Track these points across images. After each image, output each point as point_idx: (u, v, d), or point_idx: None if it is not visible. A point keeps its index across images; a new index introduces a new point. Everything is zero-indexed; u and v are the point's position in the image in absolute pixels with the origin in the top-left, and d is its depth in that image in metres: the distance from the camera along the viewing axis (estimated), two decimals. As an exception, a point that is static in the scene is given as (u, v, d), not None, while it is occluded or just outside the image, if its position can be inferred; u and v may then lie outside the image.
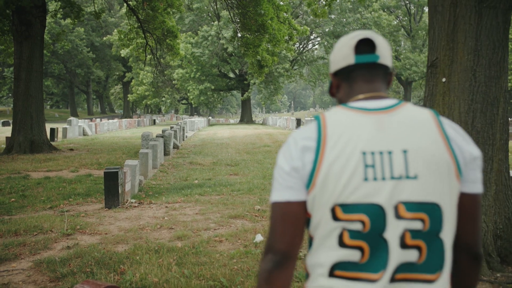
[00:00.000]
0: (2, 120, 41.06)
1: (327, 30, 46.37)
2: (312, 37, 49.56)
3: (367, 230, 1.19)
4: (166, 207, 7.25)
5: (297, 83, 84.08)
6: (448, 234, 1.23)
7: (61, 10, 18.17)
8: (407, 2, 50.47)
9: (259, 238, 5.34)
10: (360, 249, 1.20)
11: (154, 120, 49.63)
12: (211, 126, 41.39)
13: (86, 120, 36.79)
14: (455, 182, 1.23)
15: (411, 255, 1.20)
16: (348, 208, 1.19)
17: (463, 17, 4.34)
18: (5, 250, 5.03)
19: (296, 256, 1.27)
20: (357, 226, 1.19)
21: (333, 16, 45.35)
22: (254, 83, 42.18)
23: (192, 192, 8.51)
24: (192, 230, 5.80)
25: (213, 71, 43.35)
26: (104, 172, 7.21)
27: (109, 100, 75.54)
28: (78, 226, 5.96)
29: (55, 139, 21.53)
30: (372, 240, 1.19)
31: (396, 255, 1.19)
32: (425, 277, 1.21)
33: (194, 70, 41.65)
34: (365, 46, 1.32)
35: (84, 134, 27.35)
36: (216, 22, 39.55)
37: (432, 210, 1.20)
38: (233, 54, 40.75)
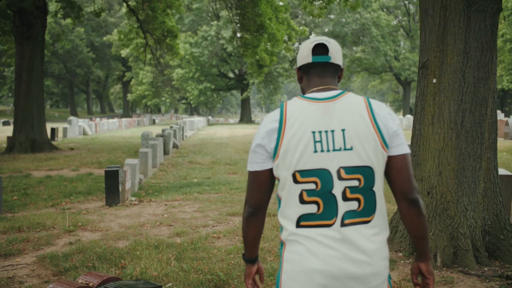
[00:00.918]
0: (3, 120, 41.14)
1: (326, 30, 46.54)
2: (311, 37, 49.70)
3: (319, 188, 1.64)
4: (166, 204, 7.41)
5: (296, 83, 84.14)
6: (378, 187, 1.68)
7: (61, 10, 18.31)
8: (406, 2, 50.63)
9: (256, 234, 5.48)
10: (316, 203, 1.64)
11: (154, 119, 49.78)
12: (210, 126, 41.54)
13: (86, 119, 36.94)
14: (381, 150, 1.67)
15: (353, 205, 1.65)
16: (304, 173, 1.64)
17: (453, 20, 4.49)
18: (9, 245, 5.18)
19: (265, 208, 1.80)
20: (312, 186, 1.64)
21: (332, 16, 45.53)
22: (254, 83, 42.33)
23: (191, 190, 8.66)
24: (191, 227, 5.95)
25: (213, 71, 43.50)
26: (105, 171, 7.36)
27: (109, 99, 75.72)
28: (80, 223, 6.10)
29: (56, 138, 21.68)
30: (324, 196, 1.64)
31: (342, 206, 1.64)
32: (364, 219, 1.66)
33: (194, 70, 41.79)
34: (321, 49, 1.74)
35: (84, 133, 27.49)
36: (215, 22, 39.69)
37: (366, 172, 1.65)
38: (233, 54, 40.89)
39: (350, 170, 1.64)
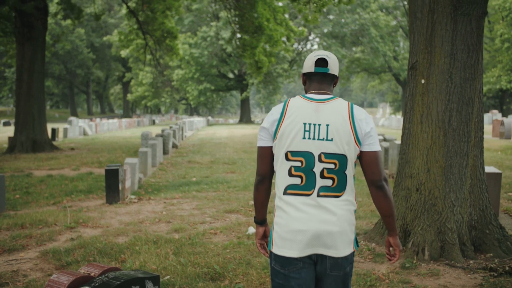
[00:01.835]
0: (3, 120, 41.30)
1: (325, 30, 46.68)
2: (310, 37, 49.86)
3: (304, 166, 2.14)
4: (165, 202, 7.58)
5: (296, 83, 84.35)
6: (349, 171, 2.17)
7: (62, 12, 18.49)
8: (405, 2, 50.76)
9: (251, 230, 5.66)
10: (300, 177, 2.15)
11: (154, 120, 49.92)
12: (210, 126, 41.69)
13: (86, 120, 37.10)
14: (354, 145, 2.15)
15: (328, 182, 2.14)
16: (294, 153, 2.15)
17: (440, 23, 4.67)
18: (13, 241, 5.35)
19: (271, 178, 2.30)
20: (298, 164, 2.15)
21: (331, 17, 45.68)
22: (253, 83, 42.50)
23: (190, 188, 8.84)
24: (189, 224, 6.12)
25: (212, 72, 43.66)
26: (105, 170, 7.53)
27: (109, 100, 75.87)
28: (81, 220, 6.28)
29: (56, 138, 21.85)
30: (307, 172, 2.14)
31: (319, 181, 2.13)
32: (336, 194, 2.15)
33: (194, 70, 41.95)
34: (322, 62, 2.24)
35: (85, 134, 27.66)
36: (215, 23, 39.86)
37: (341, 158, 2.13)
38: (232, 54, 41.06)
39: (328, 155, 2.13)
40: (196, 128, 35.13)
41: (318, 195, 2.12)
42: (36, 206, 7.59)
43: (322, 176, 2.12)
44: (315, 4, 7.63)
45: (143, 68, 42.90)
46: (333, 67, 2.25)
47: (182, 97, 58.06)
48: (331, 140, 2.13)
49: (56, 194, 8.51)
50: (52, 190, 8.84)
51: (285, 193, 2.17)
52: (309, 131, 2.14)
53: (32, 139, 15.46)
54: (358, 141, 2.14)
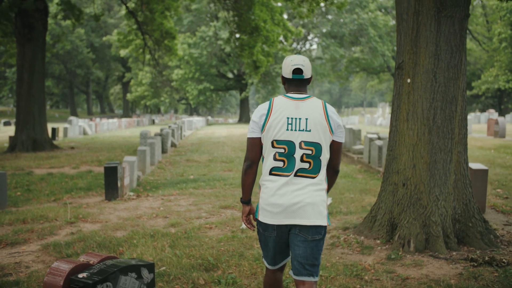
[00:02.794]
0: (4, 120, 41.49)
1: (324, 30, 46.86)
2: (309, 37, 50.04)
3: (286, 152, 2.64)
4: (162, 199, 7.78)
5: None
6: (324, 157, 2.68)
7: (62, 12, 18.69)
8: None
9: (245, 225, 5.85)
10: (283, 161, 2.65)
11: (154, 120, 50.09)
12: (209, 126, 41.89)
13: (86, 120, 37.29)
14: (328, 135, 2.67)
15: (305, 165, 2.64)
16: (278, 142, 2.65)
17: (425, 24, 4.87)
18: (15, 235, 5.55)
19: (257, 163, 2.77)
20: (282, 150, 2.65)
21: (330, 17, 45.85)
22: (252, 83, 42.69)
23: (187, 186, 9.04)
24: (185, 219, 6.32)
25: (212, 71, 43.85)
26: (105, 167, 7.73)
27: (109, 100, 76.05)
28: (81, 215, 6.48)
29: (56, 138, 22.05)
30: (288, 157, 2.64)
31: (298, 165, 2.63)
32: (311, 175, 2.66)
33: (193, 70, 42.14)
34: (298, 70, 2.71)
35: (84, 133, 27.86)
36: (214, 23, 40.04)
37: (317, 146, 2.64)
38: (231, 54, 41.25)
39: (307, 143, 2.64)
40: (195, 127, 35.33)
41: (295, 175, 2.63)
42: (37, 203, 7.79)
43: (301, 160, 2.63)
44: (308, 4, 7.84)
45: (142, 68, 43.08)
46: (307, 73, 2.73)
47: (182, 97, 58.26)
48: (310, 130, 2.64)
49: (56, 191, 8.71)
50: (52, 188, 9.04)
51: (270, 173, 2.68)
52: (291, 124, 2.65)
53: (32, 138, 15.66)
54: (332, 130, 2.69)
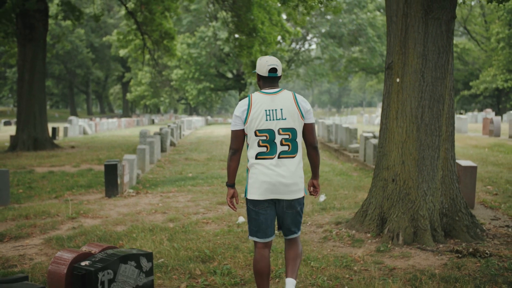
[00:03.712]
0: (4, 120, 41.67)
1: (323, 31, 47.05)
2: (308, 37, 50.23)
3: (268, 139, 3.14)
4: (161, 195, 7.98)
5: (294, 83, 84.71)
6: (299, 139, 3.20)
7: (62, 13, 18.88)
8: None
9: (241, 219, 6.06)
10: (266, 147, 3.15)
11: (153, 120, 50.27)
12: (208, 126, 42.07)
13: (86, 119, 37.47)
14: (300, 120, 3.19)
15: (285, 148, 3.16)
16: (260, 131, 3.14)
17: (413, 26, 5.07)
18: (19, 230, 5.75)
19: (241, 151, 3.24)
20: (264, 138, 3.14)
21: (329, 17, 46.03)
22: (251, 83, 42.87)
23: (186, 183, 9.23)
24: (183, 214, 6.52)
25: (211, 71, 44.05)
26: (105, 165, 7.92)
27: (108, 100, 76.22)
28: (82, 211, 6.67)
29: (57, 137, 22.23)
30: (270, 143, 3.14)
31: (279, 148, 3.15)
32: (291, 156, 3.18)
33: (193, 70, 42.33)
34: (273, 68, 3.23)
35: (84, 133, 28.05)
36: (213, 23, 40.22)
37: (292, 131, 3.17)
38: (230, 54, 41.44)
39: (284, 129, 3.16)
40: (195, 127, 35.52)
41: (279, 157, 3.16)
42: (39, 200, 7.98)
43: (281, 144, 3.16)
44: (303, 7, 8.03)
45: (142, 68, 43.27)
46: (280, 71, 3.26)
47: (181, 97, 58.43)
48: (285, 119, 3.16)
49: (57, 188, 8.90)
50: (53, 185, 9.23)
51: (256, 158, 3.18)
52: (269, 114, 3.15)
53: (33, 137, 15.85)
54: (302, 116, 3.22)
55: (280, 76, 3.28)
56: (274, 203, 3.22)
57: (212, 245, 5.00)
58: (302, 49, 51.54)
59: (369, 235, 5.27)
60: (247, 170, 3.25)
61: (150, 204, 7.25)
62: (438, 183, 5.18)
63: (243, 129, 3.18)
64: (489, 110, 33.29)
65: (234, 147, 3.24)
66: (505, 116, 31.18)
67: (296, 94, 3.25)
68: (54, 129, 21.94)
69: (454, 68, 48.51)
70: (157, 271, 4.22)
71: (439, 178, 5.19)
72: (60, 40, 21.90)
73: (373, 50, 45.08)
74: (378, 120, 34.43)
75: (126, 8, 18.91)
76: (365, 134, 11.57)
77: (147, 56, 21.89)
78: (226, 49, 38.27)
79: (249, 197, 3.20)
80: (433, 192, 5.11)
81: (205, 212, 6.71)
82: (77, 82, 61.52)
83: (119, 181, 8.04)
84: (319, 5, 7.87)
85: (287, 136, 3.15)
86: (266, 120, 3.12)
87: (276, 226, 3.44)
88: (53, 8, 28.40)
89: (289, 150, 3.16)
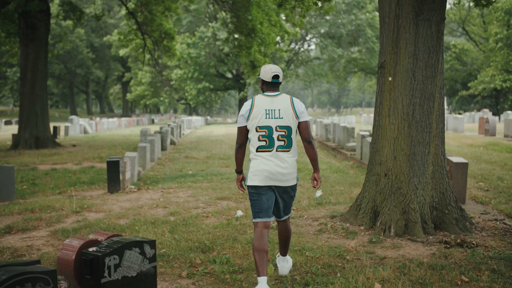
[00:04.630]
0: (4, 120, 41.89)
1: (322, 31, 47.29)
2: (307, 38, 50.46)
3: (267, 134, 3.69)
4: (162, 191, 8.19)
5: (293, 83, 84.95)
6: (293, 136, 3.74)
7: (62, 13, 19.08)
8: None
9: (239, 213, 6.27)
10: (265, 141, 3.69)
11: (153, 119, 50.48)
12: (208, 125, 42.30)
13: (86, 119, 37.67)
14: (295, 119, 3.72)
15: (282, 143, 3.70)
16: (260, 127, 3.69)
17: (404, 27, 5.29)
18: (25, 223, 5.96)
19: (245, 145, 3.82)
20: (263, 133, 3.69)
21: (328, 18, 46.27)
22: (250, 83, 43.09)
23: (186, 180, 9.45)
24: (184, 208, 6.74)
25: (211, 71, 44.27)
26: (107, 161, 8.13)
27: (108, 100, 76.43)
28: (85, 205, 6.89)
29: (58, 136, 22.44)
30: (269, 138, 3.69)
31: (276, 143, 3.69)
32: (287, 150, 3.71)
33: (192, 70, 42.54)
34: (276, 75, 3.77)
35: (85, 132, 28.26)
36: (212, 23, 40.44)
37: (288, 128, 3.70)
38: (230, 54, 41.67)
39: (281, 127, 3.68)
40: (194, 126, 35.73)
41: (276, 151, 3.69)
42: (43, 195, 8.19)
43: (278, 139, 3.68)
44: (300, 9, 8.25)
45: (142, 67, 43.50)
46: (281, 78, 3.81)
47: (181, 97, 58.66)
48: (282, 118, 3.69)
49: (60, 185, 9.12)
50: (57, 182, 9.44)
51: (257, 151, 3.72)
52: (269, 113, 3.69)
53: (35, 136, 16.07)
54: (297, 116, 3.73)
55: (281, 82, 3.79)
56: (273, 189, 3.74)
57: (212, 236, 5.22)
58: (301, 49, 51.76)
59: (362, 227, 5.49)
60: (249, 160, 3.77)
61: (152, 199, 7.46)
62: (429, 177, 5.40)
63: (246, 126, 3.75)
64: (486, 110, 33.52)
65: (239, 142, 3.81)
66: (502, 116, 31.42)
67: (293, 98, 3.77)
68: (55, 128, 22.15)
69: (453, 69, 48.87)
70: (159, 260, 4.43)
71: (429, 173, 5.41)
72: (62, 40, 22.10)
73: (372, 50, 45.32)
74: (376, 120, 34.54)
75: (127, 8, 19.12)
76: (362, 133, 11.79)
77: (147, 56, 22.10)
78: (226, 49, 38.50)
79: (251, 183, 3.71)
80: (423, 186, 5.33)
81: (205, 206, 6.93)
82: (77, 82, 61.73)
83: (121, 177, 8.25)
84: (314, 6, 8.08)
85: (283, 133, 3.66)
86: (266, 118, 3.65)
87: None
88: (53, 8, 28.62)
89: (285, 144, 3.68)
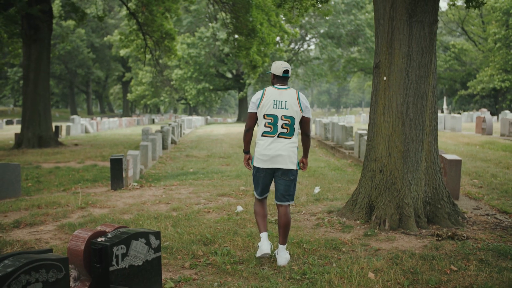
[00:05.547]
0: (6, 119, 42.09)
1: (322, 31, 47.48)
2: (307, 38, 50.66)
3: (272, 122, 4.25)
4: (164, 188, 8.40)
5: (293, 83, 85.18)
6: (296, 126, 4.28)
7: (63, 13, 19.29)
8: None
9: (239, 208, 6.48)
10: (270, 127, 4.26)
11: (153, 119, 50.70)
12: (208, 125, 42.50)
13: (87, 119, 37.86)
14: (299, 112, 4.28)
15: (285, 130, 4.26)
16: (268, 115, 4.26)
17: (398, 28, 5.49)
18: (32, 218, 6.16)
19: (253, 128, 4.45)
20: (269, 120, 4.26)
21: (327, 18, 46.44)
22: (250, 84, 43.29)
23: (187, 178, 9.65)
24: (186, 204, 6.94)
25: (211, 71, 44.47)
26: (110, 159, 8.34)
27: (109, 100, 76.64)
28: (90, 202, 7.09)
29: (59, 136, 22.63)
30: (274, 125, 4.26)
31: (280, 130, 4.25)
32: (288, 137, 4.26)
33: (192, 70, 42.74)
34: (286, 70, 4.34)
35: (86, 131, 28.47)
36: (212, 24, 40.65)
37: (292, 118, 4.26)
38: (230, 54, 41.87)
39: (286, 116, 4.21)
40: (195, 126, 35.94)
41: (278, 136, 4.21)
42: (48, 192, 8.40)
43: (282, 127, 4.21)
44: (298, 9, 8.45)
45: (142, 67, 43.71)
46: (290, 73, 4.32)
47: (181, 97, 58.88)
48: (287, 109, 4.22)
49: (65, 182, 9.32)
50: (61, 179, 9.65)
51: (262, 135, 4.27)
52: (276, 104, 4.22)
53: (38, 135, 16.28)
54: (301, 109, 4.25)
55: (289, 77, 4.32)
56: (273, 171, 4.29)
57: (213, 230, 5.42)
58: (301, 49, 51.96)
59: (358, 222, 5.69)
60: (256, 143, 4.35)
61: (154, 196, 7.67)
62: (422, 173, 5.60)
63: (256, 112, 4.29)
64: (484, 109, 33.74)
65: (248, 125, 4.38)
66: (499, 115, 31.63)
67: (300, 93, 4.31)
68: (57, 128, 22.34)
69: (452, 69, 49.04)
70: (163, 252, 4.63)
71: (422, 169, 5.61)
72: (64, 40, 22.31)
73: (371, 50, 45.48)
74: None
75: (128, 8, 19.32)
76: (360, 132, 11.99)
77: (148, 56, 22.32)
78: (226, 49, 38.69)
79: (256, 165, 4.33)
80: (417, 182, 5.53)
81: (206, 202, 7.13)
82: (78, 82, 61.94)
83: (124, 175, 8.46)
84: (312, 7, 8.29)
85: (287, 122, 4.20)
86: (273, 107, 4.20)
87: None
88: (55, 9, 28.82)
89: (287, 132, 4.21)
